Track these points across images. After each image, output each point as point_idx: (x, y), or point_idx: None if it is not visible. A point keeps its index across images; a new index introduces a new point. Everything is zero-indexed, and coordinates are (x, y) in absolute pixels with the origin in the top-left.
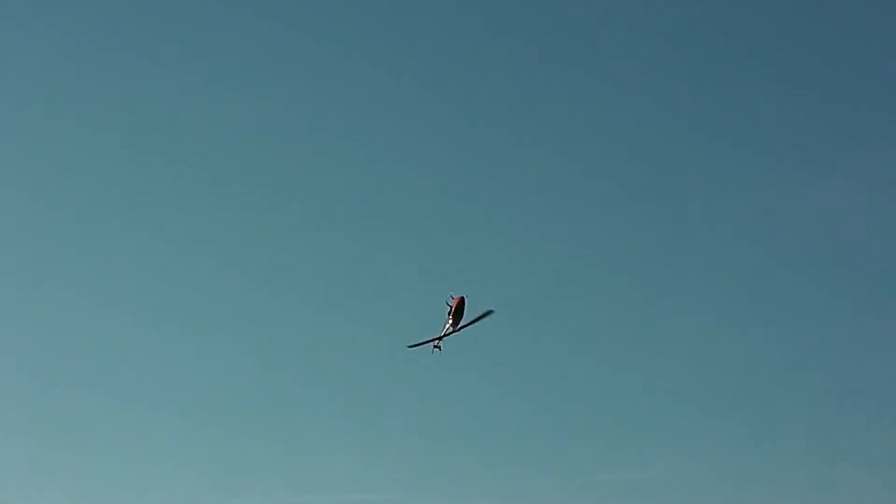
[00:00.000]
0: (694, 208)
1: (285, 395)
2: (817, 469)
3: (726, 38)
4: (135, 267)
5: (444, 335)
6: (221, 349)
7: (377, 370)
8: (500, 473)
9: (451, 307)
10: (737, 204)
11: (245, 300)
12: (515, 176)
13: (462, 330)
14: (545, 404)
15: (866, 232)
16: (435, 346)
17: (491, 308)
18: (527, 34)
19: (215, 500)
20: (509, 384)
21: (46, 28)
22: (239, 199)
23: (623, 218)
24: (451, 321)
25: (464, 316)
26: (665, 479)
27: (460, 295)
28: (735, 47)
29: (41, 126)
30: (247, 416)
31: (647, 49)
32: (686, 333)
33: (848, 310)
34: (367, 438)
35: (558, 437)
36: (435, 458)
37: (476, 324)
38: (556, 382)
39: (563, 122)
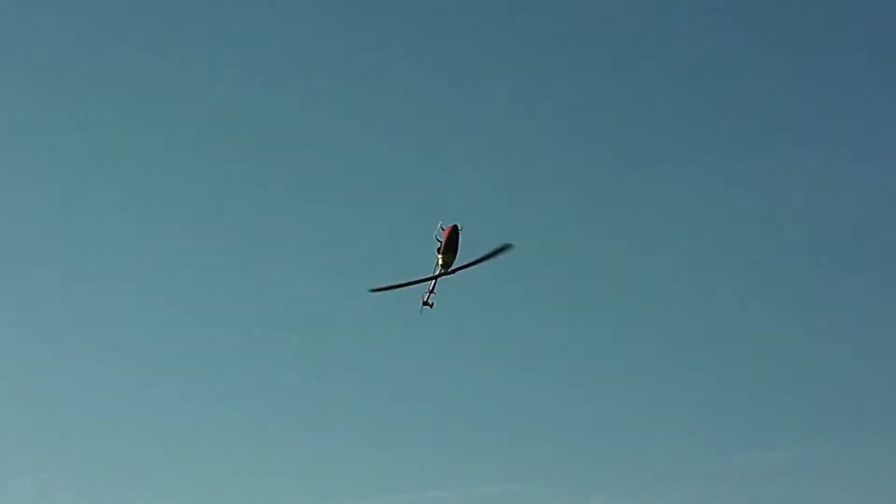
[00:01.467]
0: None
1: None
2: None
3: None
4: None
5: (435, 278)
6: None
7: None
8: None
9: (440, 242)
10: None
11: None
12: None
13: (460, 271)
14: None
15: None
16: (424, 303)
17: (508, 242)
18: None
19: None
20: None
21: None
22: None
23: None
24: (441, 260)
25: (458, 252)
26: (803, 461)
27: (452, 224)
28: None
29: None
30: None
31: None
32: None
33: None
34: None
35: (690, 419)
36: (565, 444)
37: (486, 261)
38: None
39: None
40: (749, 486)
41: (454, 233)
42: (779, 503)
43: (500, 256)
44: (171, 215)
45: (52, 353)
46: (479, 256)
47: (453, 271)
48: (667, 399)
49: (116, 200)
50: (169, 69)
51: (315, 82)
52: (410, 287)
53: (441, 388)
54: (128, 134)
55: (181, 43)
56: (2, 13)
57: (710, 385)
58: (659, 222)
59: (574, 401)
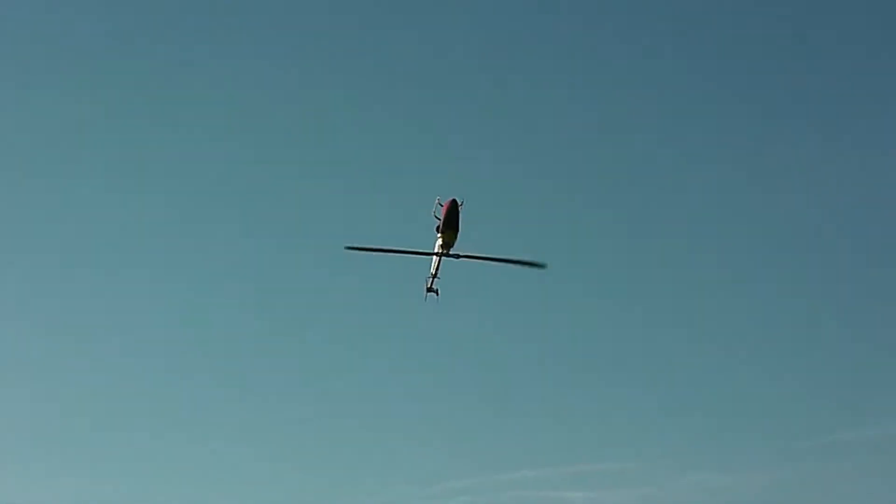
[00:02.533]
0: None
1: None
2: None
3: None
4: None
5: (434, 255)
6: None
7: None
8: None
9: (439, 219)
10: None
11: None
12: None
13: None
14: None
15: None
16: (429, 289)
17: (543, 262)
18: None
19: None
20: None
21: None
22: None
23: None
24: (441, 240)
25: (459, 230)
26: None
27: (451, 199)
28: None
29: None
30: None
31: None
32: None
33: None
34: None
35: (790, 396)
36: (660, 421)
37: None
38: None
39: None
40: (850, 462)
41: (453, 208)
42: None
43: (526, 267)
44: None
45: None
46: (503, 256)
47: (460, 256)
48: (756, 377)
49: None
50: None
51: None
52: (395, 254)
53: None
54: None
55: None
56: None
57: (808, 362)
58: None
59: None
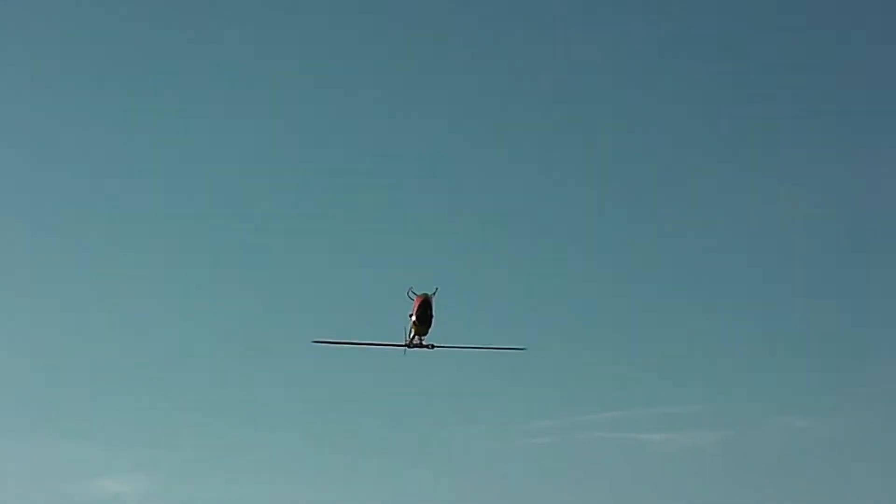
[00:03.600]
0: None
1: None
2: None
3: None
4: None
5: (405, 346)
6: None
7: None
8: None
9: (412, 311)
10: None
11: None
12: None
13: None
14: None
15: None
16: (414, 345)
17: (521, 347)
18: None
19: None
20: None
21: None
22: None
23: None
24: (413, 329)
25: (431, 323)
26: None
27: (422, 294)
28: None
29: None
30: None
31: None
32: None
33: None
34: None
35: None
36: (742, 362)
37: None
38: None
39: None
40: None
41: (425, 304)
42: None
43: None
44: None
45: None
46: (478, 345)
47: (434, 347)
48: (843, 320)
49: None
50: None
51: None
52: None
53: None
54: None
55: None
56: None
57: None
58: None
59: None
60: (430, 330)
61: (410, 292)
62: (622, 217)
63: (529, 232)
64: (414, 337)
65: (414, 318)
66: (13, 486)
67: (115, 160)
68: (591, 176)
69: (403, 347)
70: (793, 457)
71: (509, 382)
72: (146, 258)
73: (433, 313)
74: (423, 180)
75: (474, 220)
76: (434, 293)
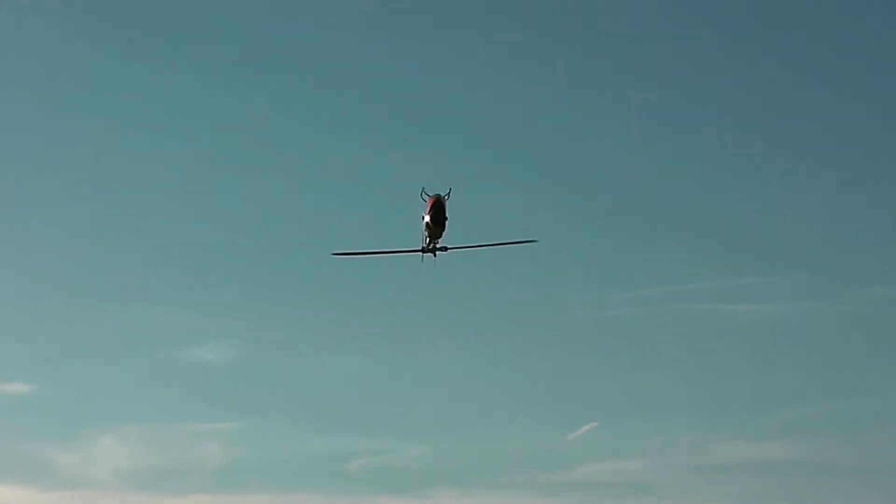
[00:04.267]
0: None
1: None
2: None
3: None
4: None
5: (422, 251)
6: None
7: None
8: None
9: (425, 212)
10: None
11: None
12: None
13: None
14: None
15: None
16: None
17: (532, 238)
18: None
19: None
20: None
21: None
22: None
23: None
24: (427, 231)
25: (446, 224)
26: None
27: (434, 195)
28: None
29: None
30: None
31: None
32: None
33: None
34: None
35: None
36: (832, 233)
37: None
38: None
39: None
40: None
41: (437, 205)
42: None
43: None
44: None
45: None
46: (491, 242)
47: (448, 249)
48: None
49: None
50: None
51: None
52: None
53: None
54: None
55: None
56: None
57: None
58: None
59: None
60: (443, 231)
61: (423, 193)
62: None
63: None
64: (429, 241)
65: (427, 219)
66: (110, 355)
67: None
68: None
69: (420, 254)
70: (883, 326)
71: (593, 256)
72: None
73: (447, 214)
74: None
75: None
76: (447, 195)
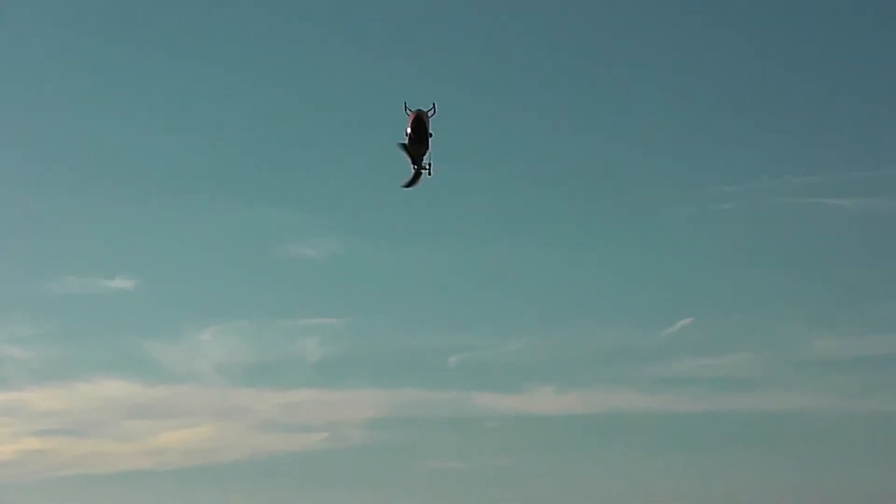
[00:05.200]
0: None
1: None
2: None
3: None
4: None
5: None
6: None
7: None
8: None
9: (407, 129)
10: None
11: None
12: None
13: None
14: None
15: None
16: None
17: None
18: None
19: None
20: None
21: None
22: None
23: None
24: (410, 149)
25: (428, 145)
26: None
27: (416, 110)
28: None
29: None
30: None
31: None
32: None
33: None
34: None
35: None
36: None
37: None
38: None
39: None
40: None
41: (418, 121)
42: None
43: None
44: None
45: None
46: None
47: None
48: None
49: None
50: None
51: None
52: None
53: None
54: None
55: None
56: None
57: None
58: None
59: None
60: (426, 151)
61: (406, 108)
62: None
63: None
64: (414, 162)
65: (409, 132)
66: (212, 250)
67: None
68: None
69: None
70: None
71: (691, 148)
72: None
73: (430, 131)
74: None
75: None
76: (430, 110)
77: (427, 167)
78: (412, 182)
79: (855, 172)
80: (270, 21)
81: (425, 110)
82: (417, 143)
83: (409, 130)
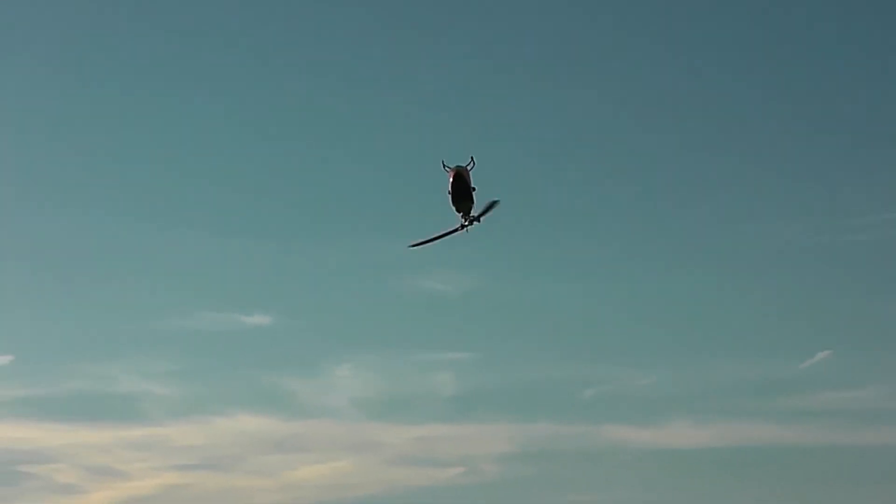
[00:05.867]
0: None
1: None
2: None
3: None
4: None
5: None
6: None
7: None
8: None
9: (449, 187)
10: None
11: None
12: None
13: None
14: None
15: None
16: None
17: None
18: None
19: None
20: None
21: None
22: None
23: None
24: (456, 208)
25: (473, 197)
26: None
27: (454, 167)
28: None
29: None
30: None
31: None
32: None
33: None
34: None
35: None
36: None
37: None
38: None
39: None
40: None
41: (457, 178)
42: None
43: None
44: None
45: None
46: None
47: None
48: None
49: None
50: None
51: None
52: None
53: None
54: None
55: None
56: None
57: None
58: None
59: None
60: (472, 205)
61: (445, 166)
62: None
63: None
64: (463, 217)
65: (450, 191)
66: (346, 285)
67: None
68: None
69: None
70: None
71: (829, 177)
72: None
73: (473, 185)
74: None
75: None
76: (469, 164)
77: (471, 221)
78: (438, 237)
79: None
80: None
81: (464, 165)
82: (461, 201)
83: (450, 189)
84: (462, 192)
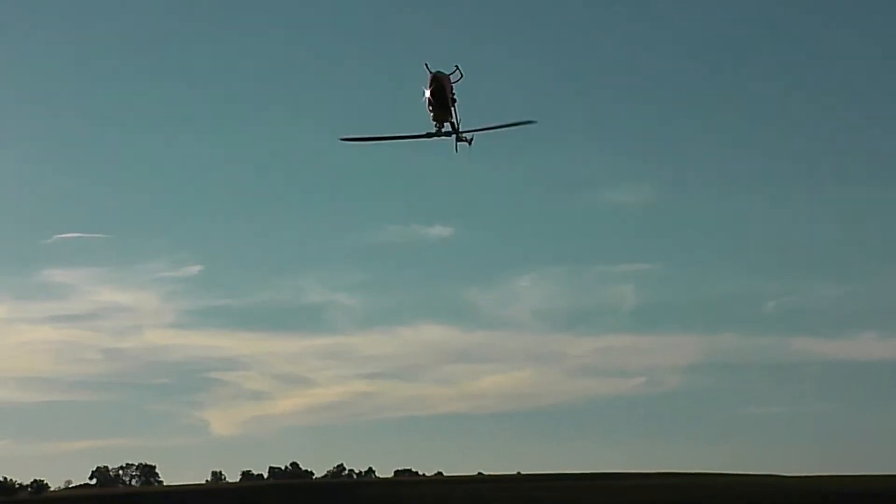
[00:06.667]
0: None
1: None
2: None
3: None
4: None
5: (423, 136)
6: None
7: None
8: None
9: (427, 94)
10: None
11: None
12: None
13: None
14: None
15: None
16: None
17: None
18: None
19: None
20: None
21: None
22: None
23: None
24: (432, 117)
25: (453, 106)
26: None
27: (434, 71)
28: None
29: None
30: None
31: None
32: None
33: None
34: None
35: None
36: None
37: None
38: None
39: None
40: None
41: (437, 83)
42: None
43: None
44: None
45: None
46: (496, 124)
47: (458, 135)
48: None
49: None
50: None
51: None
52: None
53: None
54: None
55: None
56: None
57: None
58: None
59: None
60: (450, 117)
61: (427, 67)
62: None
63: None
64: (435, 123)
65: (427, 94)
66: (527, 199)
67: None
68: None
69: (428, 136)
70: None
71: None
72: None
73: (452, 95)
74: None
75: None
76: (453, 73)
77: (459, 137)
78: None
79: None
80: None
81: (447, 73)
82: (438, 109)
83: (427, 94)
84: (441, 102)
